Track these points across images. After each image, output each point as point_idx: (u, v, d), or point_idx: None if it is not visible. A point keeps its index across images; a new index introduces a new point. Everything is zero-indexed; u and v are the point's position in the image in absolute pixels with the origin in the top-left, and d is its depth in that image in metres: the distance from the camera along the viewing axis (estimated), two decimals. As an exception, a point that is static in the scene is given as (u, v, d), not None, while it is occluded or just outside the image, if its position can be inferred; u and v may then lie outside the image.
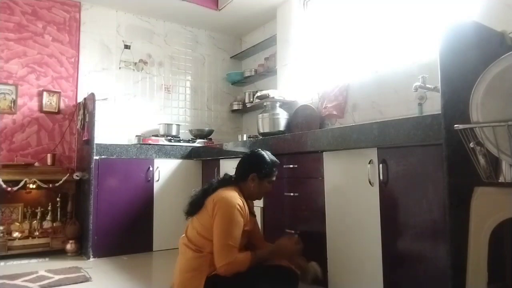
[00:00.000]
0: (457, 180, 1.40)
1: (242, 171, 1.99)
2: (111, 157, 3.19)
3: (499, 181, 1.31)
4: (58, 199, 3.19)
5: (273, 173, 2.00)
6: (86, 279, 2.41)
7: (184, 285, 1.76)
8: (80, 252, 3.13)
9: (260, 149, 2.07)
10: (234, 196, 1.83)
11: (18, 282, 2.30)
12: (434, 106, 2.21)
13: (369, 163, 1.95)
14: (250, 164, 2.00)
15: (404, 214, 1.79)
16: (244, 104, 4.18)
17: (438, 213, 1.62)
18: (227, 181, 1.97)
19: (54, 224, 3.16)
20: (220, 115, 4.43)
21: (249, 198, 1.99)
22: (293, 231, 2.44)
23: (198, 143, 3.77)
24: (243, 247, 1.88)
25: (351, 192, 2.07)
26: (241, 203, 1.81)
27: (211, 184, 1.95)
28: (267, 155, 2.02)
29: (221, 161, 3.27)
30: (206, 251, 1.77)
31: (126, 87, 3.84)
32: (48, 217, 3.17)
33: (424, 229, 1.69)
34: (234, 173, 2.03)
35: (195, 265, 1.76)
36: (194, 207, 1.89)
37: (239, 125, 4.52)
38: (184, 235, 1.91)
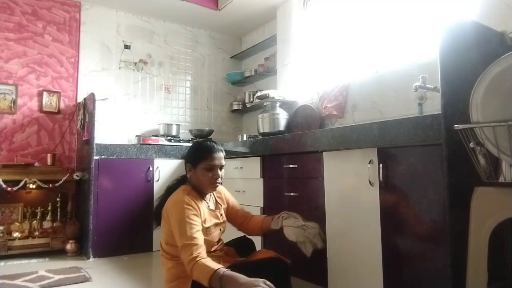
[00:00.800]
0: (457, 180, 1.40)
1: (184, 165, 1.90)
2: (111, 157, 3.19)
3: (499, 181, 1.31)
4: (58, 199, 3.19)
5: (206, 157, 1.80)
6: (86, 279, 2.40)
7: None
8: (80, 252, 3.13)
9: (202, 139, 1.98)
10: (178, 196, 1.74)
11: (18, 282, 2.30)
12: (434, 106, 2.21)
13: (369, 163, 1.95)
14: (185, 155, 1.93)
15: (404, 214, 1.79)
16: (244, 104, 4.18)
17: (438, 213, 1.62)
18: (179, 182, 1.91)
19: (54, 224, 3.16)
20: (220, 115, 4.43)
21: (201, 191, 1.83)
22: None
23: (205, 141, 3.76)
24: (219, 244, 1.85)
25: (351, 192, 2.07)
26: (187, 199, 1.70)
27: (167, 188, 1.90)
28: (202, 141, 1.95)
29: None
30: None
31: (126, 87, 3.84)
32: (48, 217, 3.17)
33: (424, 229, 1.69)
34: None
35: (178, 273, 1.71)
36: (157, 217, 1.85)
37: (239, 125, 4.52)
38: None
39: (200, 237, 1.62)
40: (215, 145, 1.86)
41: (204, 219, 1.75)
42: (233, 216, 2.00)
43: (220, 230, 1.89)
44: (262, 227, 1.95)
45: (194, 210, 1.69)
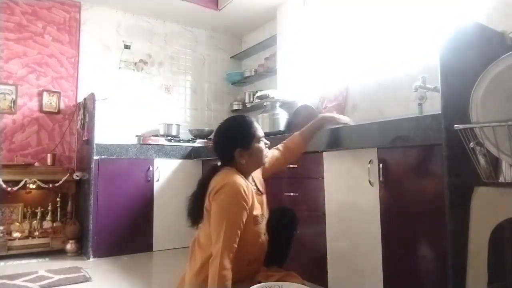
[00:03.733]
0: (457, 180, 1.40)
1: (224, 154, 1.69)
2: (111, 157, 3.19)
3: (499, 181, 1.31)
4: (58, 199, 3.19)
5: (254, 132, 1.67)
6: (86, 279, 2.40)
7: None
8: (80, 252, 3.13)
9: (224, 121, 1.76)
10: (234, 177, 1.55)
11: (18, 282, 2.30)
12: (434, 106, 2.21)
13: (369, 163, 1.95)
14: (225, 142, 1.69)
15: (404, 214, 1.78)
16: (244, 104, 4.18)
17: (438, 213, 1.62)
18: (215, 172, 1.68)
19: (54, 224, 3.16)
20: (220, 115, 4.42)
21: (250, 173, 1.70)
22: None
23: (198, 143, 3.77)
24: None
25: (351, 192, 2.07)
26: (245, 185, 1.55)
27: (201, 184, 1.69)
28: (234, 120, 1.75)
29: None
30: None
31: (126, 87, 3.84)
32: (48, 217, 3.17)
33: (424, 229, 1.69)
34: (218, 158, 1.75)
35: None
36: (193, 217, 1.67)
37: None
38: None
39: (234, 248, 1.50)
40: (246, 116, 1.77)
41: (251, 205, 1.59)
42: (277, 164, 1.91)
43: (264, 223, 1.72)
44: (304, 142, 2.01)
45: (247, 201, 1.54)
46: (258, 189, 1.76)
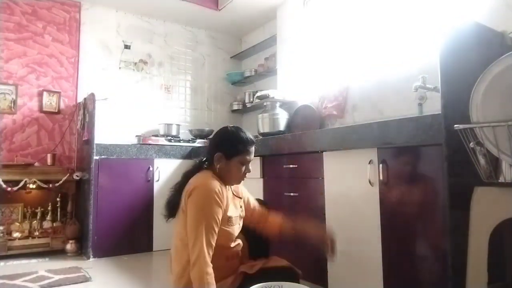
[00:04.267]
0: (457, 180, 1.40)
1: (208, 152, 1.70)
2: (111, 157, 3.19)
3: (499, 181, 1.31)
4: (58, 199, 3.19)
5: (243, 151, 1.64)
6: (86, 279, 2.41)
7: None
8: (80, 252, 3.13)
9: (231, 126, 1.77)
10: (207, 179, 1.57)
11: (18, 282, 2.30)
12: (434, 106, 2.21)
13: (369, 163, 1.95)
14: (215, 142, 1.71)
15: (404, 214, 1.78)
16: (244, 104, 4.18)
17: (438, 213, 1.62)
18: (198, 167, 1.71)
19: (54, 224, 3.16)
20: (220, 115, 4.43)
21: (224, 180, 1.67)
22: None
23: (198, 143, 3.77)
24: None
25: (351, 192, 2.07)
26: (218, 187, 1.56)
27: (185, 175, 1.70)
28: (237, 130, 1.71)
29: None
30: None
31: (126, 87, 3.84)
32: (48, 217, 3.17)
33: (424, 229, 1.69)
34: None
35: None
36: (171, 208, 1.66)
37: (239, 125, 4.50)
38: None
39: (213, 246, 1.51)
40: (252, 137, 1.72)
41: (226, 206, 1.60)
42: (250, 213, 1.82)
43: (239, 224, 1.72)
44: (281, 229, 1.81)
45: (221, 202, 1.55)
46: (233, 194, 1.75)
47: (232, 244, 1.69)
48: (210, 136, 3.72)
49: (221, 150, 1.66)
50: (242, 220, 1.77)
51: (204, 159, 1.75)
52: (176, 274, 1.61)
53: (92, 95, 3.13)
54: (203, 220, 1.49)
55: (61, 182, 3.07)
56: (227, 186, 1.69)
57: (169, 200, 1.69)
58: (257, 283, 1.47)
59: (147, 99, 3.95)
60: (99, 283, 2.38)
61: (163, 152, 3.45)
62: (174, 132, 3.78)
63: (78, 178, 3.18)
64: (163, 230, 3.35)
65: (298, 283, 1.67)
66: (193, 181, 1.60)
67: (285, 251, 2.53)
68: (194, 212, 1.52)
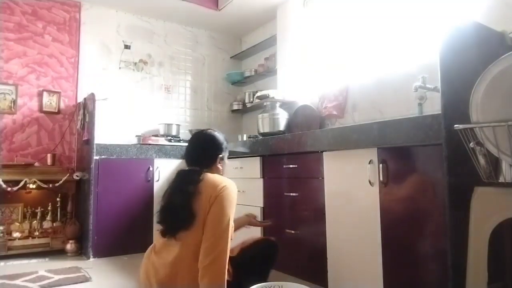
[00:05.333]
0: (457, 180, 1.40)
1: (208, 156, 1.76)
2: (111, 157, 3.18)
3: (499, 181, 1.31)
4: (58, 199, 3.19)
5: (228, 147, 1.86)
6: (86, 279, 2.40)
7: None
8: (80, 252, 3.13)
9: (205, 130, 1.87)
10: (228, 180, 1.66)
11: (18, 282, 2.30)
12: (434, 106, 2.21)
13: (369, 163, 1.95)
14: (213, 146, 1.78)
15: (404, 214, 1.79)
16: (244, 104, 4.18)
17: (438, 213, 1.62)
18: (198, 174, 1.66)
19: (54, 224, 3.16)
20: (220, 115, 4.43)
21: None
22: (293, 231, 2.44)
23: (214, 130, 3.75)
24: None
25: (351, 192, 2.07)
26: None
27: (184, 189, 1.62)
28: (217, 132, 1.84)
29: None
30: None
31: (126, 87, 3.84)
32: (48, 217, 3.17)
33: (424, 229, 1.69)
34: (196, 162, 1.74)
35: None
36: (187, 217, 1.55)
37: (239, 125, 4.52)
38: (156, 256, 1.64)
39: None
40: None
41: None
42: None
43: None
44: None
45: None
46: None
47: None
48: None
49: (222, 152, 1.79)
50: None
51: (199, 166, 1.73)
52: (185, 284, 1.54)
53: (92, 95, 3.13)
54: (231, 217, 1.56)
55: (61, 182, 3.07)
56: None
57: (187, 208, 1.56)
58: (240, 263, 1.58)
59: (147, 99, 3.95)
60: (99, 283, 2.38)
61: (163, 152, 3.45)
62: (174, 132, 3.78)
63: (78, 178, 3.18)
64: (163, 230, 3.35)
65: (277, 250, 1.89)
66: (216, 180, 1.62)
67: (285, 251, 2.54)
68: (226, 208, 1.55)
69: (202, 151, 1.78)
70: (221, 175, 1.76)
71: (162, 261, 1.59)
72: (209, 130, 1.86)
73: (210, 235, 1.52)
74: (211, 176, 1.65)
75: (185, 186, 1.61)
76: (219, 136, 1.83)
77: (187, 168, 1.76)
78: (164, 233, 1.62)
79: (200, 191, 1.58)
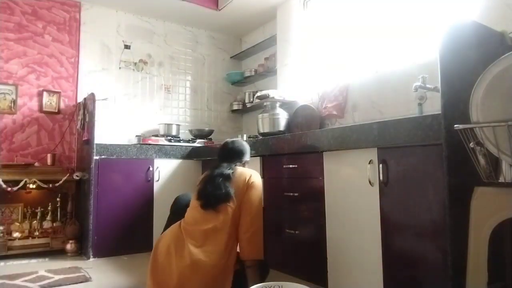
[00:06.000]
0: (457, 180, 1.40)
1: (240, 157, 2.21)
2: (111, 157, 3.18)
3: (499, 181, 1.31)
4: (58, 199, 3.19)
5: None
6: (86, 279, 2.41)
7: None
8: (80, 252, 3.13)
9: (233, 139, 2.32)
10: (254, 172, 2.12)
11: (18, 282, 2.30)
12: (434, 106, 2.22)
13: (369, 163, 1.95)
14: (241, 151, 2.23)
15: (404, 214, 1.79)
16: (244, 104, 4.18)
17: (438, 213, 1.62)
18: (230, 166, 2.09)
19: (54, 224, 3.16)
20: (220, 115, 4.43)
21: None
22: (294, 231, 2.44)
23: (198, 143, 3.77)
24: None
25: (351, 192, 2.07)
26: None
27: (221, 174, 2.01)
28: (243, 141, 2.39)
29: (221, 161, 3.27)
30: (232, 230, 1.94)
31: (126, 87, 3.84)
32: (48, 217, 3.17)
33: (424, 229, 1.69)
34: (224, 161, 2.15)
35: (229, 248, 1.91)
36: (224, 197, 1.93)
37: (239, 125, 4.52)
38: (187, 227, 1.96)
39: None
40: None
41: None
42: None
43: None
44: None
45: None
46: None
47: None
48: (211, 139, 3.89)
49: (247, 157, 2.26)
50: None
51: (232, 162, 2.15)
52: (217, 251, 1.87)
53: (92, 95, 3.13)
54: (261, 201, 2.03)
55: (61, 182, 3.07)
56: None
57: (225, 187, 1.95)
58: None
59: (147, 99, 3.95)
60: (99, 283, 2.38)
61: (163, 152, 3.45)
62: (174, 132, 3.78)
63: (78, 178, 3.18)
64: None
65: (267, 270, 2.07)
66: (245, 172, 2.08)
67: (285, 251, 2.54)
68: (258, 194, 2.01)
69: (237, 152, 2.22)
70: None
71: (199, 228, 1.92)
72: (239, 139, 2.36)
73: (247, 214, 1.95)
74: (241, 169, 2.11)
75: (225, 172, 2.03)
76: (246, 144, 2.30)
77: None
78: (205, 206, 1.95)
79: (235, 177, 2.01)
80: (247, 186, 1.99)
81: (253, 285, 1.71)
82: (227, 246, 1.89)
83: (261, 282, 1.83)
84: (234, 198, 1.93)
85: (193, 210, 2.00)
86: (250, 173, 2.06)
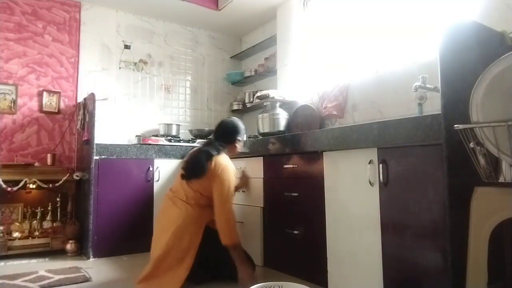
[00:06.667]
0: (457, 180, 1.40)
1: (228, 137, 2.45)
2: (111, 157, 3.18)
3: (499, 181, 1.31)
4: (58, 199, 3.19)
5: (244, 133, 2.57)
6: (86, 279, 2.41)
7: (183, 231, 2.18)
8: (80, 252, 3.13)
9: (230, 118, 2.60)
10: (230, 163, 2.36)
11: (18, 282, 2.30)
12: (434, 106, 2.21)
13: (369, 163, 1.95)
14: (234, 130, 2.46)
15: (404, 214, 1.79)
16: (244, 104, 4.18)
17: (438, 213, 1.62)
18: (217, 147, 2.36)
19: (54, 224, 3.16)
20: (220, 115, 4.43)
21: (229, 156, 2.47)
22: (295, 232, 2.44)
23: (198, 143, 3.77)
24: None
25: (351, 192, 2.07)
26: (233, 167, 2.38)
27: (207, 151, 2.32)
28: (240, 122, 2.56)
29: (221, 161, 3.27)
30: (204, 205, 2.28)
31: (126, 87, 3.84)
32: (48, 217, 3.17)
33: (424, 229, 1.69)
34: (217, 138, 2.46)
35: (196, 216, 2.24)
36: (199, 171, 2.26)
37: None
38: (172, 191, 2.38)
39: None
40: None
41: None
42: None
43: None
44: None
45: (234, 177, 2.38)
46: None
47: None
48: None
49: (240, 135, 2.48)
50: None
51: (220, 142, 2.42)
52: (195, 210, 2.27)
53: (92, 95, 3.13)
54: (230, 186, 2.28)
55: (61, 182, 3.07)
56: None
57: (197, 165, 2.28)
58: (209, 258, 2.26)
59: (147, 99, 3.95)
60: (99, 283, 2.38)
61: (163, 152, 3.45)
62: (174, 132, 3.78)
63: (78, 178, 3.18)
64: (163, 230, 3.35)
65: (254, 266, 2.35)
66: (222, 162, 2.30)
67: (285, 251, 2.54)
68: (224, 182, 2.24)
69: (225, 131, 2.46)
70: (237, 152, 2.54)
71: (178, 196, 2.31)
72: (230, 118, 2.56)
73: (218, 195, 2.24)
74: (220, 157, 2.32)
75: (210, 151, 2.30)
76: (240, 124, 2.51)
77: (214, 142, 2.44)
78: (182, 176, 2.33)
79: (214, 161, 2.27)
80: (214, 175, 2.24)
81: (235, 261, 2.19)
82: (199, 207, 2.27)
83: (242, 262, 2.23)
84: (205, 177, 2.24)
85: (178, 178, 2.41)
86: (224, 165, 2.28)
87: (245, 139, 2.55)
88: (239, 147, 2.53)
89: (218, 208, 2.23)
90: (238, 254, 2.23)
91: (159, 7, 3.82)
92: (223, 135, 2.44)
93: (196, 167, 2.27)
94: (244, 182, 2.84)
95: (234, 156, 3.02)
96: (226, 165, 2.30)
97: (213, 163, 2.25)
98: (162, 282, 2.14)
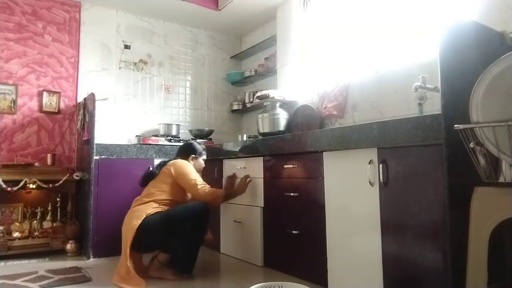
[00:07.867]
0: (457, 180, 1.40)
1: (184, 154, 2.85)
2: (111, 157, 3.18)
3: (499, 181, 1.31)
4: (58, 199, 3.19)
5: (202, 154, 2.91)
6: (86, 279, 2.41)
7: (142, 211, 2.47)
8: (80, 252, 3.13)
9: (189, 140, 3.23)
10: (185, 162, 2.74)
11: (18, 282, 2.30)
12: (434, 106, 2.22)
13: (369, 163, 1.95)
14: (190, 149, 2.87)
15: (404, 214, 1.79)
16: (244, 104, 4.18)
17: (438, 213, 1.62)
18: (170, 160, 2.81)
19: (54, 224, 3.16)
20: (220, 115, 4.43)
21: (197, 169, 2.80)
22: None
23: (198, 143, 3.76)
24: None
25: (351, 192, 2.07)
26: (189, 164, 2.75)
27: (159, 164, 2.78)
28: (196, 142, 3.01)
29: (221, 161, 3.27)
30: (169, 198, 2.58)
31: (126, 87, 3.84)
32: (48, 217, 3.17)
33: (424, 229, 1.69)
34: (180, 154, 2.87)
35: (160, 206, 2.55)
36: (150, 177, 2.69)
37: (239, 125, 4.52)
38: (139, 199, 2.60)
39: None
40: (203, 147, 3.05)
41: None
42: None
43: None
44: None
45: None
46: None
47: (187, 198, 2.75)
48: (211, 139, 4.07)
49: (193, 153, 2.85)
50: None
51: (179, 156, 2.89)
52: (152, 206, 2.52)
53: (92, 95, 3.13)
54: (191, 176, 2.61)
55: (61, 182, 3.07)
56: None
57: (150, 174, 2.74)
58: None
59: (147, 99, 3.95)
60: (99, 283, 2.38)
61: (163, 152, 3.45)
62: (174, 132, 3.78)
63: (78, 178, 3.18)
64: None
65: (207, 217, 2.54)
66: (176, 162, 2.70)
67: (285, 251, 2.54)
68: (189, 174, 2.62)
69: (181, 150, 2.92)
70: (201, 168, 2.92)
71: (140, 200, 2.58)
72: (189, 140, 3.12)
73: (188, 187, 2.61)
74: (175, 161, 2.74)
75: (162, 164, 2.76)
76: (196, 145, 2.93)
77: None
78: (142, 184, 2.72)
79: (166, 167, 2.67)
80: (170, 174, 2.60)
81: (233, 197, 2.76)
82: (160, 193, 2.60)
83: (232, 193, 2.75)
84: (162, 176, 2.63)
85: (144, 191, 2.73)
86: (173, 162, 2.69)
87: (204, 157, 2.95)
88: (201, 162, 2.91)
89: (193, 195, 2.62)
90: (228, 198, 2.74)
91: (159, 7, 3.82)
92: (180, 153, 2.89)
93: (150, 174, 2.76)
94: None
95: (234, 156, 3.04)
96: (176, 162, 2.69)
97: (166, 166, 2.67)
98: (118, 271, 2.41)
